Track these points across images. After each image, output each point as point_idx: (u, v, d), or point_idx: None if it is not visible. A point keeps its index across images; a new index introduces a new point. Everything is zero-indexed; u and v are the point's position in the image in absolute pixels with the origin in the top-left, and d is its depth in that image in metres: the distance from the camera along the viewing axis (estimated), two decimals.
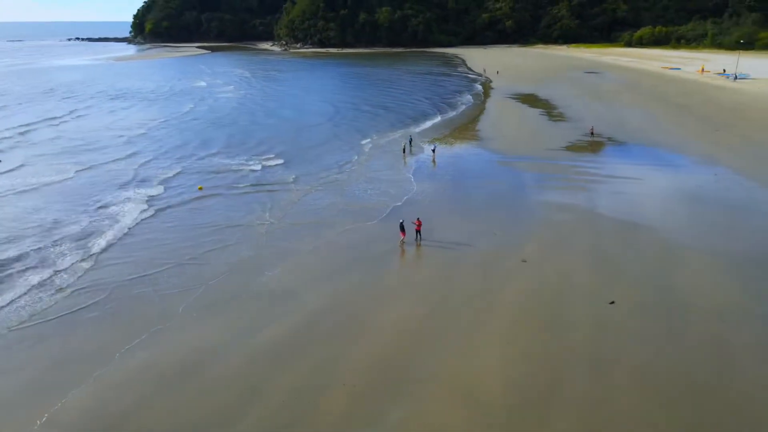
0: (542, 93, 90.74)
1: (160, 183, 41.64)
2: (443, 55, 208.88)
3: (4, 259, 27.77)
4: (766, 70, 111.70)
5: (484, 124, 65.07)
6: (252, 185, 40.83)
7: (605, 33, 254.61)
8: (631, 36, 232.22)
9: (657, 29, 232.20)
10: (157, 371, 18.79)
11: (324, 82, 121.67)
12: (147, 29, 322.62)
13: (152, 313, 22.71)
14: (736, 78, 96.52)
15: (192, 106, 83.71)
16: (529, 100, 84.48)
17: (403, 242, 29.18)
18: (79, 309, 23.20)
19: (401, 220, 29.43)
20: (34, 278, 25.80)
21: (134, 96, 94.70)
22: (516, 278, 25.26)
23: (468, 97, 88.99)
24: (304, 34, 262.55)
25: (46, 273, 26.40)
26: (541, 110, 73.84)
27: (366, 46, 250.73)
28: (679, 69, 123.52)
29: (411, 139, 53.19)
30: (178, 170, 45.24)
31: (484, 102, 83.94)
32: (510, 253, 27.85)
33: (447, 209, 34.49)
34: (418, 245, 29.11)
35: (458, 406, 16.86)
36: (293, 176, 42.89)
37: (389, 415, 16.49)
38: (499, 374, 18.35)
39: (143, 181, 42.26)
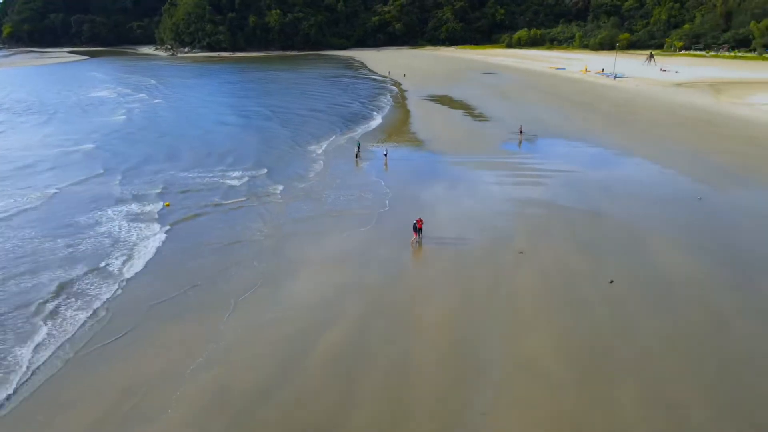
0: (454, 94, 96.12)
1: (148, 202, 39.52)
2: (339, 57, 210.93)
3: (45, 294, 25.88)
4: (632, 68, 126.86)
5: (417, 126, 68.09)
6: (238, 199, 39.95)
7: (487, 35, 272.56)
8: (510, 38, 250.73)
9: (533, 31, 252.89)
10: (228, 394, 18.90)
11: (242, 87, 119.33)
12: (5, 33, 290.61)
13: (196, 335, 22.47)
14: (615, 77, 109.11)
15: (124, 116, 79.43)
16: (446, 101, 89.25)
17: (414, 241, 30.92)
18: (120, 336, 22.34)
19: (414, 222, 31.08)
20: (81, 315, 24.25)
21: (43, 109, 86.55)
22: (521, 268, 27.99)
23: (388, 100, 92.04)
24: (191, 38, 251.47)
25: (88, 302, 25.21)
26: (462, 111, 78.51)
27: (258, 50, 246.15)
28: (564, 69, 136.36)
29: (359, 144, 54.72)
30: (160, 187, 42.99)
31: (404, 104, 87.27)
32: (504, 246, 30.58)
33: (428, 210, 36.58)
34: (419, 244, 31.02)
35: (533, 380, 19.05)
36: (275, 187, 42.76)
37: (482, 395, 18.27)
38: (554, 348, 20.80)
39: (130, 201, 39.97)
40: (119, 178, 46.14)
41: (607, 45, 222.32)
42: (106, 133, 66.57)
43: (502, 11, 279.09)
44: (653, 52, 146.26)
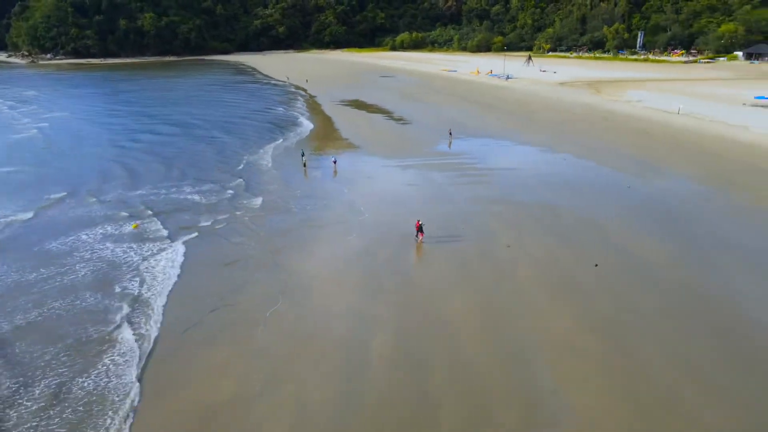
0: (365, 98, 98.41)
1: (142, 221, 37.42)
2: (226, 63, 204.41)
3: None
4: (516, 69, 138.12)
5: (347, 132, 69.26)
6: (219, 217, 38.51)
7: (369, 38, 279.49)
8: (393, 41, 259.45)
9: (413, 35, 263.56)
10: (311, 409, 19.26)
11: (141, 96, 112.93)
12: None
13: (244, 355, 22.18)
14: (507, 78, 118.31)
15: (35, 132, 74.04)
16: (361, 105, 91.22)
17: (421, 242, 32.64)
18: (170, 366, 21.41)
19: (420, 223, 32.78)
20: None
21: None
22: (516, 260, 30.66)
23: (302, 105, 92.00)
24: (53, 43, 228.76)
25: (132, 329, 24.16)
26: (382, 115, 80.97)
27: (133, 56, 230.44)
28: (455, 71, 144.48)
29: (303, 152, 54.83)
30: (139, 208, 40.77)
31: (321, 110, 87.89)
32: (491, 242, 33.17)
33: (408, 214, 38.17)
34: (419, 242, 32.79)
35: (574, 356, 21.55)
36: (246, 202, 41.88)
37: (542, 372, 20.31)
38: (575, 324, 23.54)
39: (115, 223, 37.70)
40: (90, 198, 43.62)
41: (484, 47, 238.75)
42: (35, 152, 61.62)
43: (382, 15, 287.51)
44: (531, 54, 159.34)
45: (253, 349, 22.65)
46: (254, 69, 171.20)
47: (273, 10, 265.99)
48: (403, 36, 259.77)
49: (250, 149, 60.76)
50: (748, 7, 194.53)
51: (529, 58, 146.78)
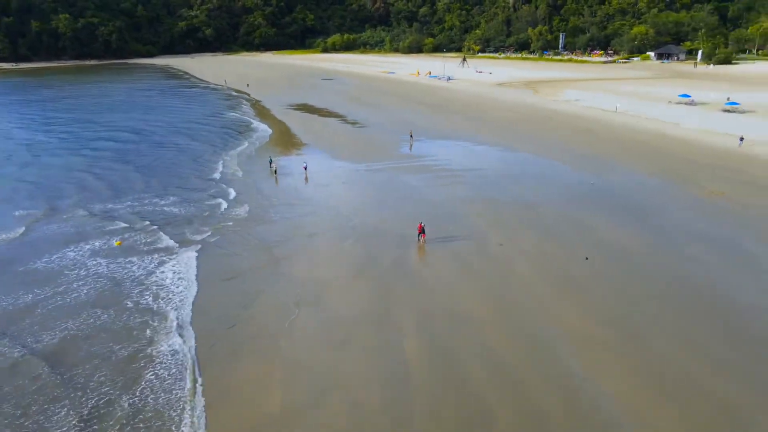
0: (313, 102, 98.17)
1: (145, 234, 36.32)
2: (153, 66, 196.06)
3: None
4: (453, 70, 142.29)
5: (306, 137, 69.05)
6: (211, 229, 37.47)
7: (300, 40, 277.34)
8: (325, 43, 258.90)
9: (345, 36, 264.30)
10: (364, 412, 19.76)
11: (78, 103, 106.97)
12: None
13: (281, 366, 22.22)
14: (449, 79, 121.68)
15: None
16: (311, 109, 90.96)
17: (423, 241, 33.72)
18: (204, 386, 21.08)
19: (424, 224, 34.01)
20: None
21: None
22: (512, 257, 32.23)
23: (251, 110, 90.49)
24: None
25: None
26: (336, 119, 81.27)
27: (48, 60, 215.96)
28: (394, 73, 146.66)
29: (271, 159, 54.30)
30: (137, 222, 38.93)
31: (272, 115, 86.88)
32: (484, 241, 34.62)
33: (394, 217, 38.97)
34: (421, 244, 33.88)
35: (593, 345, 23.27)
36: (229, 212, 41.11)
37: (566, 358, 21.84)
38: (591, 318, 25.33)
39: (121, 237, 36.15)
40: (71, 213, 41.70)
41: (415, 48, 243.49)
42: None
43: (312, 17, 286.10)
44: (465, 56, 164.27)
45: (286, 361, 22.69)
46: (186, 73, 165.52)
47: (198, 12, 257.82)
48: (335, 38, 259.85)
49: (218, 156, 59.88)
50: (655, 10, 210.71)
51: (464, 59, 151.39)
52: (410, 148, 62.10)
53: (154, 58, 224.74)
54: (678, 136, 62.64)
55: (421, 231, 33.76)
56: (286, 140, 68.03)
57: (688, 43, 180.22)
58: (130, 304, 27.18)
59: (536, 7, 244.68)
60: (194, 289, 28.95)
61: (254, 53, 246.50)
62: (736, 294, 27.29)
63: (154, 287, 28.86)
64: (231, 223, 38.63)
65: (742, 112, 74.76)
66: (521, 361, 22.34)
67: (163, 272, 30.61)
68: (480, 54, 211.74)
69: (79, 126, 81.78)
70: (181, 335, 24.57)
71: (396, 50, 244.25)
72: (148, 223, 39.09)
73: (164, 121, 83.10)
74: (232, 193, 45.75)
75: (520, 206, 41.14)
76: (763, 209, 39.23)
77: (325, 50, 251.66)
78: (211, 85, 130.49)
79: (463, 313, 26.22)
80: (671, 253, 32.33)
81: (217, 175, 51.97)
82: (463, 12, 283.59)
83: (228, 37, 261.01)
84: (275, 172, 51.19)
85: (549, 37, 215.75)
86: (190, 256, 33.21)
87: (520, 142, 62.76)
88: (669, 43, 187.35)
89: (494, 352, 23.03)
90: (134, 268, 31.34)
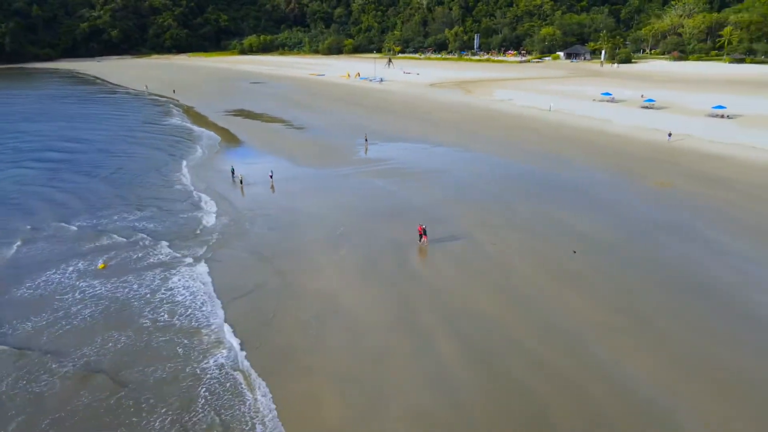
0: (250, 107, 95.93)
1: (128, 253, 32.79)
2: (56, 71, 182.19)
3: None
4: (381, 72, 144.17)
5: (257, 144, 67.45)
6: (201, 246, 35.79)
7: (215, 41, 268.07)
8: (242, 44, 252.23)
9: (262, 37, 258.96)
10: (430, 418, 20.35)
11: None
12: None
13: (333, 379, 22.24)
14: (381, 81, 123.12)
15: None
16: (251, 115, 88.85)
17: (425, 243, 34.45)
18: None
19: (425, 226, 34.85)
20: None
21: None
22: (506, 255, 33.80)
23: (187, 117, 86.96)
24: None
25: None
26: (280, 124, 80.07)
27: None
28: (324, 75, 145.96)
29: (233, 168, 52.82)
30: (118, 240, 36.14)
31: (211, 121, 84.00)
32: (474, 241, 35.98)
33: (379, 222, 39.44)
34: (424, 246, 34.81)
35: (611, 332, 25.22)
36: (219, 223, 39.72)
37: (599, 351, 23.60)
38: (600, 307, 27.34)
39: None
40: (44, 232, 38.53)
41: (335, 50, 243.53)
42: None
43: (225, 17, 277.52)
44: (391, 57, 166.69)
45: (330, 375, 22.59)
46: (99, 78, 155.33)
47: (101, 12, 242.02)
48: (251, 39, 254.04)
49: (177, 164, 57.59)
50: (559, 12, 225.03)
51: (390, 60, 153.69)
52: (365, 152, 62.60)
53: (56, 62, 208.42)
54: (614, 132, 67.89)
55: (422, 233, 34.62)
56: (236, 147, 66.26)
57: (591, 44, 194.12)
58: (147, 323, 25.85)
59: (450, 9, 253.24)
60: (210, 306, 28.00)
61: (166, 56, 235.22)
62: (712, 274, 30.50)
63: (166, 305, 27.61)
64: (218, 236, 37.43)
65: (658, 108, 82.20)
66: (552, 352, 23.78)
67: (170, 289, 29.32)
68: (401, 55, 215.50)
69: (9, 137, 74.56)
70: (218, 352, 23.81)
71: (316, 51, 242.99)
72: (135, 239, 37.05)
73: (101, 130, 78.31)
74: (210, 206, 44.10)
75: (498, 205, 42.99)
76: (706, 197, 43.72)
77: (243, 52, 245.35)
78: (131, 91, 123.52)
79: (481, 311, 27.30)
80: (645, 242, 35.36)
81: (184, 186, 49.93)
82: (379, 13, 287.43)
83: (136, 39, 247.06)
84: (241, 181, 49.80)
85: (465, 37, 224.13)
86: (194, 271, 31.97)
87: (473, 142, 65.19)
88: (575, 43, 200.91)
89: (523, 345, 24.29)
90: (134, 286, 29.77)
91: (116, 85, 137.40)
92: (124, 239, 37.15)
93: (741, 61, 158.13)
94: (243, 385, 21.67)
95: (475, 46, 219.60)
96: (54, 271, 32.06)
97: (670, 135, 62.22)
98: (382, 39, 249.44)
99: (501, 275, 31.18)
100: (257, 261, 33.71)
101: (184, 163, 58.29)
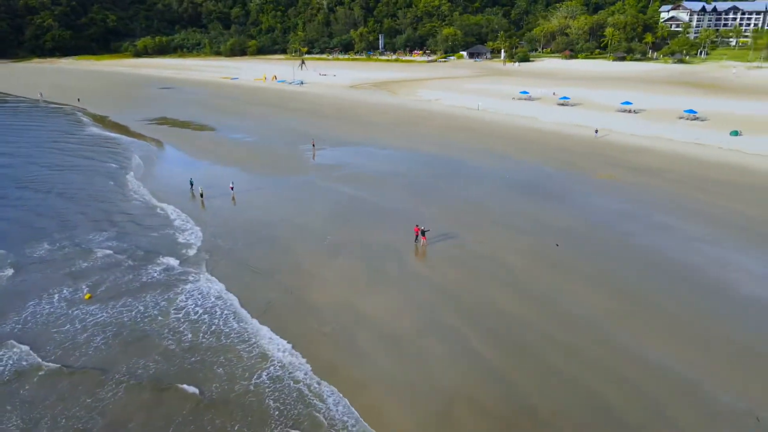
0: (173, 115, 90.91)
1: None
2: None
3: None
4: (297, 74, 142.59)
5: (198, 154, 64.08)
6: (190, 262, 33.99)
7: (104, 43, 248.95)
8: (135, 46, 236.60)
9: (157, 39, 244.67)
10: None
11: None
12: None
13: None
14: (302, 83, 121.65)
15: None
16: (176, 123, 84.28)
17: (424, 244, 35.16)
18: None
19: (425, 229, 35.75)
20: None
21: None
22: (497, 252, 35.43)
23: (105, 127, 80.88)
24: None
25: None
26: (210, 132, 76.90)
27: None
28: (238, 78, 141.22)
29: (192, 181, 50.28)
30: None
31: (134, 131, 78.66)
32: (461, 241, 37.39)
33: (363, 228, 39.66)
34: (421, 246, 35.73)
35: (625, 318, 27.73)
36: (207, 240, 37.80)
37: (625, 337, 25.91)
38: (604, 294, 29.79)
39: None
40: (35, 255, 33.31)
41: (238, 51, 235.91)
42: None
43: (114, 17, 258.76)
44: (304, 59, 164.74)
45: (382, 384, 22.94)
46: None
47: None
48: (146, 40, 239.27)
49: (122, 178, 53.80)
50: (456, 13, 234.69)
51: (303, 62, 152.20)
52: (313, 157, 62.24)
53: None
54: (544, 129, 72.82)
55: (420, 234, 35.59)
56: (177, 158, 62.94)
57: (490, 43, 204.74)
58: (173, 346, 24.47)
59: (350, 9, 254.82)
60: (236, 323, 27.03)
61: (50, 60, 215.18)
62: (680, 257, 34.27)
63: (185, 324, 26.27)
64: (205, 254, 35.82)
65: (573, 105, 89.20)
66: (582, 341, 25.69)
67: (180, 309, 27.98)
68: (308, 56, 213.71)
69: None
70: (265, 368, 23.20)
71: (218, 53, 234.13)
72: (116, 260, 34.65)
73: (18, 142, 70.68)
74: (180, 221, 41.82)
75: (468, 205, 44.78)
76: (646, 186, 48.57)
77: (137, 54, 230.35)
78: (23, 100, 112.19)
79: (499, 308, 28.72)
80: (613, 231, 38.84)
81: (145, 199, 47.22)
82: (278, 13, 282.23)
83: (11, 41, 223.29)
84: (201, 195, 47.59)
85: (371, 37, 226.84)
86: (198, 288, 30.53)
87: (417, 143, 66.89)
88: (475, 43, 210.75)
89: (554, 338, 25.97)
90: (140, 308, 27.96)
91: (4, 93, 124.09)
92: (105, 261, 34.52)
93: (623, 59, 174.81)
94: (310, 396, 21.47)
95: (381, 46, 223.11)
96: (37, 301, 29.19)
97: (597, 131, 67.99)
98: (286, 40, 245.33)
99: (502, 272, 32.86)
100: (257, 278, 32.78)
101: (132, 174, 54.60)
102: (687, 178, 50.66)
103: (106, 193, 49.32)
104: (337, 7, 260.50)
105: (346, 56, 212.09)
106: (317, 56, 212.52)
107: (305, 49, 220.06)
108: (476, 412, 21.38)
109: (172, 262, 34.63)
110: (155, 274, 32.59)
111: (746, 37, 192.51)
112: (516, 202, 44.94)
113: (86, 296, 30.25)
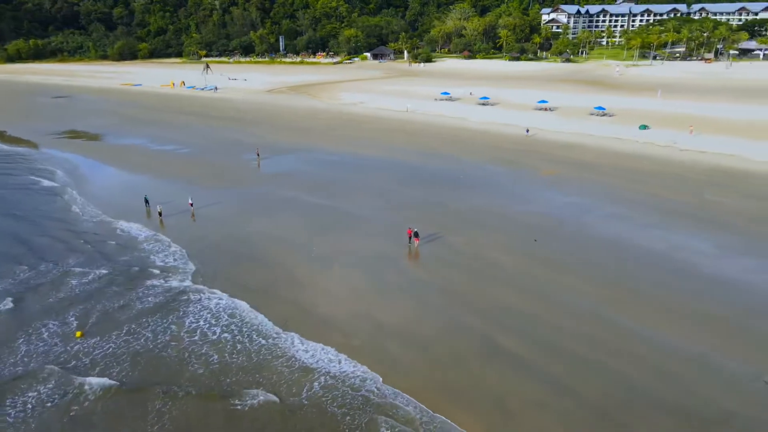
0: (82, 128, 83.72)
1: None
2: None
3: None
4: (207, 79, 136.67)
5: (135, 169, 60.10)
6: (184, 291, 31.00)
7: None
8: (6, 50, 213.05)
9: (32, 42, 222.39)
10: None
11: None
12: None
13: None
14: (216, 89, 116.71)
15: None
16: (91, 136, 77.85)
17: (417, 246, 36.21)
18: None
19: (416, 229, 36.67)
20: None
21: None
22: (484, 251, 37.06)
23: (8, 143, 72.77)
24: None
25: None
26: (136, 144, 72.18)
27: None
28: (140, 85, 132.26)
29: (147, 198, 47.01)
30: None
31: (51, 146, 71.79)
32: (447, 242, 38.72)
33: (346, 238, 39.52)
34: (414, 247, 36.62)
35: (623, 304, 30.40)
36: (188, 263, 35.68)
37: (627, 322, 28.50)
38: (595, 283, 32.24)
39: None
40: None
41: (128, 55, 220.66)
42: None
43: None
44: (208, 62, 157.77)
45: (433, 390, 23.65)
46: None
47: None
48: (18, 44, 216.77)
49: (61, 195, 49.57)
50: (355, 14, 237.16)
51: (207, 66, 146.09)
52: (258, 166, 60.78)
53: None
54: (475, 128, 76.39)
55: (414, 235, 36.49)
56: (111, 174, 58.36)
57: (392, 44, 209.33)
58: (199, 369, 23.35)
59: (245, 10, 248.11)
60: (263, 339, 26.20)
61: None
62: (644, 244, 38.00)
63: (206, 345, 25.10)
64: (191, 274, 34.04)
65: (493, 104, 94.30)
66: (600, 333, 27.50)
67: (193, 331, 26.57)
68: (207, 59, 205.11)
69: None
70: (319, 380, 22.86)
71: (104, 57, 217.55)
72: (97, 286, 32.26)
73: None
74: (149, 242, 39.10)
75: (436, 207, 46.09)
76: (588, 180, 52.96)
77: (10, 59, 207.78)
78: None
79: (507, 305, 30.14)
80: (576, 224, 42.08)
81: (100, 218, 43.70)
82: (167, 14, 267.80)
83: None
84: (160, 213, 44.75)
85: (272, 39, 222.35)
86: (206, 308, 29.04)
87: (359, 148, 67.29)
88: (377, 44, 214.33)
89: (568, 330, 28.02)
90: (149, 336, 26.25)
91: None
92: (87, 288, 31.64)
93: (518, 58, 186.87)
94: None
95: (282, 48, 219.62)
96: (23, 340, 26.26)
97: (528, 130, 72.59)
98: (180, 42, 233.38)
99: (496, 270, 34.54)
100: (257, 296, 31.78)
101: (74, 192, 49.90)
102: (620, 171, 55.89)
103: (53, 212, 45.41)
104: (232, 8, 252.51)
105: (248, 59, 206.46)
106: (217, 59, 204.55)
107: (203, 52, 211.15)
108: (530, 405, 22.64)
109: (158, 282, 32.64)
110: (149, 298, 30.56)
111: (615, 37, 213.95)
112: (479, 201, 47.01)
113: (77, 334, 27.60)
